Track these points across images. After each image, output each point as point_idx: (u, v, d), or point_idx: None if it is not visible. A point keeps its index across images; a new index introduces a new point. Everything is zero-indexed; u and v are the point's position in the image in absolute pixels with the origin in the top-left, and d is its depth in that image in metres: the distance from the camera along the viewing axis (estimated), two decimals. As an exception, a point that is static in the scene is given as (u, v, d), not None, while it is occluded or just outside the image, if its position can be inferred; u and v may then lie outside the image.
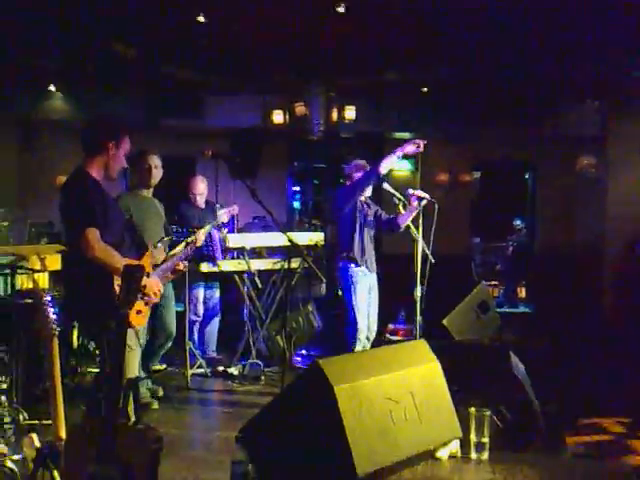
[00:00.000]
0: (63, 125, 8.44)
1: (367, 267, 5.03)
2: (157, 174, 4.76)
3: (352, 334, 4.92)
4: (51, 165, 8.31)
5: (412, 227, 5.11)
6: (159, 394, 4.83)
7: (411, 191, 5.06)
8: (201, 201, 5.85)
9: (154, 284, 3.39)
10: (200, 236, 4.43)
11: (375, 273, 5.14)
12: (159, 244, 3.88)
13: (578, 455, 3.51)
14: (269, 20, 6.65)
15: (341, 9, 6.24)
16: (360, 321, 4.92)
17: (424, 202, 4.97)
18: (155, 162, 4.75)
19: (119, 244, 3.26)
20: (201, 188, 5.85)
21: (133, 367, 3.36)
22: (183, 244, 4.11)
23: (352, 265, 4.98)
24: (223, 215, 5.56)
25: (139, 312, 3.28)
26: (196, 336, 6.01)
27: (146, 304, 3.37)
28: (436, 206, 4.83)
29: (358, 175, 5.10)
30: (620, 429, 4.04)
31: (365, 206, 5.16)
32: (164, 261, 3.80)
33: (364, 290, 4.98)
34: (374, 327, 5.11)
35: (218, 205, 5.93)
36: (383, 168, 4.83)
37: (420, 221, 4.95)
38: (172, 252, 3.96)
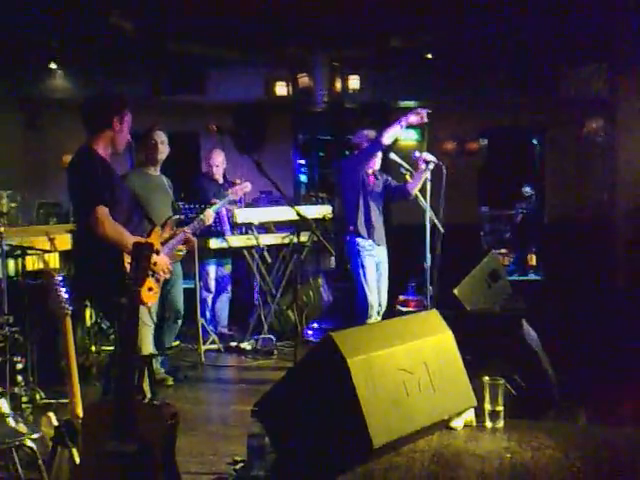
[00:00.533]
0: (67, 103, 8.38)
1: (374, 241, 4.96)
2: (164, 150, 4.73)
3: (362, 310, 4.87)
4: (56, 144, 8.26)
5: (420, 197, 5.06)
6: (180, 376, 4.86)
7: (417, 154, 4.94)
8: (218, 174, 5.92)
9: (164, 261, 3.39)
10: (209, 214, 4.41)
11: (384, 246, 5.08)
12: (168, 222, 3.87)
13: (593, 422, 3.52)
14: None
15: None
16: (370, 296, 4.87)
17: (431, 166, 4.85)
18: (161, 138, 4.72)
19: (127, 222, 3.25)
20: (218, 160, 5.97)
21: (147, 344, 3.37)
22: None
23: (359, 239, 4.92)
24: (233, 193, 5.46)
25: (150, 289, 3.28)
26: (208, 312, 6.03)
27: (157, 281, 3.37)
28: (444, 169, 4.70)
29: (366, 145, 5.04)
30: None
31: (372, 178, 5.09)
32: (172, 237, 3.79)
33: (372, 264, 4.93)
34: (384, 301, 5.08)
35: (232, 181, 5.88)
36: (386, 138, 4.75)
37: (428, 190, 4.88)
38: (180, 229, 3.94)
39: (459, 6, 6.91)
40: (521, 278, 9.45)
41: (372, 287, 4.90)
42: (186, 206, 4.90)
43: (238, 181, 5.71)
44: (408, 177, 5.12)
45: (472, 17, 7.19)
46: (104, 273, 3.18)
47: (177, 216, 4.23)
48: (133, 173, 4.76)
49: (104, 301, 3.39)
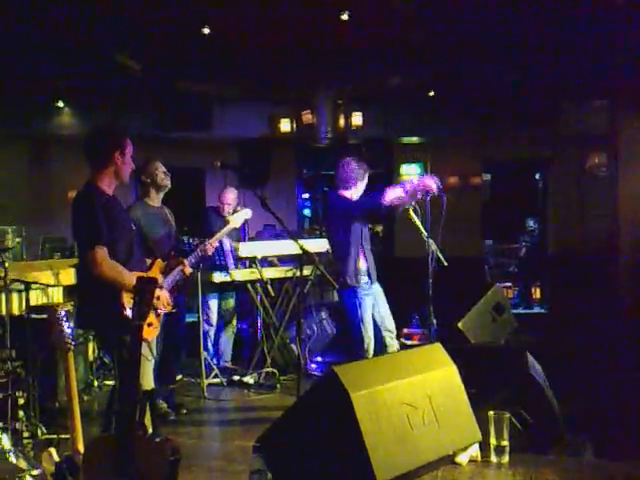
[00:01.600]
0: (73, 140, 8.48)
1: (367, 283, 4.71)
2: (165, 178, 4.76)
3: (359, 351, 4.63)
4: (62, 180, 8.36)
5: (422, 229, 5.00)
6: (182, 411, 4.85)
7: (415, 181, 4.59)
8: (228, 211, 5.97)
9: (165, 295, 3.39)
10: (212, 243, 4.42)
11: (376, 280, 4.84)
12: (170, 255, 3.88)
13: (600, 457, 3.47)
14: (273, 29, 6.68)
15: (345, 16, 6.25)
16: (366, 338, 4.64)
17: (430, 195, 4.55)
18: (162, 168, 4.77)
19: (128, 258, 3.26)
20: (230, 198, 6.01)
21: (149, 378, 3.35)
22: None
23: (352, 287, 4.66)
24: (235, 220, 5.22)
25: (150, 324, 3.28)
26: (210, 346, 6.01)
27: (157, 316, 3.37)
28: (445, 199, 4.47)
29: (354, 179, 4.72)
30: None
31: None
32: (172, 270, 3.79)
33: (369, 305, 4.71)
34: (392, 327, 4.82)
35: (230, 211, 5.88)
36: (387, 200, 4.49)
37: (429, 221, 4.80)
38: (180, 260, 3.93)
39: (460, 43, 7.02)
40: (526, 311, 9.40)
41: (369, 327, 4.65)
42: (190, 240, 4.91)
43: (239, 208, 5.62)
44: (411, 211, 4.99)
45: (474, 54, 7.30)
46: (105, 308, 3.18)
47: (179, 248, 4.24)
48: (136, 206, 4.79)
49: (105, 335, 3.40)
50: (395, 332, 4.91)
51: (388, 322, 4.85)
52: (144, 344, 3.24)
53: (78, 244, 3.35)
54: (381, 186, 5.11)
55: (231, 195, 6.04)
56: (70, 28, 6.33)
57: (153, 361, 3.56)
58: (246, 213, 5.18)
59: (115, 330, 3.10)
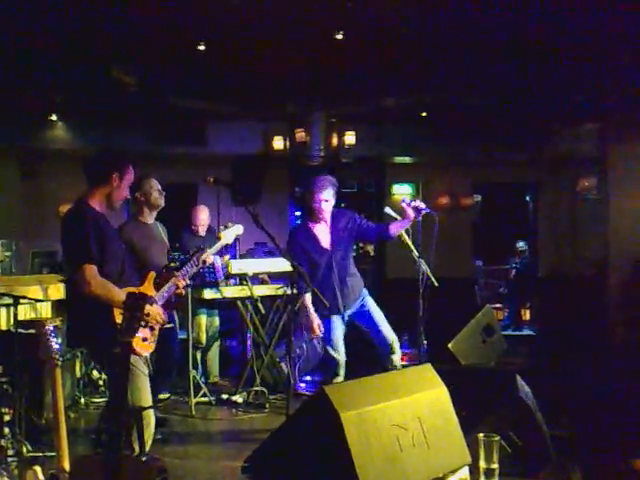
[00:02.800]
0: (65, 154, 8.49)
1: (337, 313, 4.73)
2: (159, 197, 4.74)
3: (330, 366, 4.73)
4: (53, 195, 8.34)
5: (414, 249, 5.00)
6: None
7: (407, 200, 4.70)
8: (203, 230, 5.94)
9: (156, 311, 3.37)
10: (208, 258, 4.38)
11: (357, 296, 4.82)
12: (163, 272, 3.84)
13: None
14: (269, 48, 6.72)
15: (339, 36, 6.31)
16: (335, 354, 4.70)
17: (422, 213, 4.62)
18: (157, 186, 4.75)
19: (119, 276, 3.24)
20: (202, 219, 5.96)
21: (146, 395, 3.29)
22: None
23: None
24: (227, 236, 4.99)
25: (145, 339, 3.26)
26: (199, 364, 5.97)
27: (151, 330, 3.34)
28: (436, 219, 4.56)
29: (327, 183, 4.83)
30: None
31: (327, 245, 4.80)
32: (165, 284, 3.75)
33: (337, 325, 4.73)
34: (391, 333, 4.79)
35: (222, 227, 5.80)
36: (394, 232, 4.70)
37: (420, 241, 4.82)
38: (172, 273, 3.87)
39: (453, 65, 7.09)
40: (515, 333, 9.41)
41: (338, 347, 4.71)
42: (182, 256, 4.88)
43: (230, 224, 5.46)
44: (404, 233, 4.97)
45: (466, 76, 7.37)
46: (96, 325, 3.16)
47: (172, 264, 4.19)
48: (129, 224, 4.78)
49: (96, 353, 3.37)
50: (397, 341, 4.82)
51: (388, 330, 4.79)
52: (141, 360, 3.23)
53: (68, 261, 3.33)
54: (374, 204, 5.15)
55: (203, 215, 5.98)
56: (64, 42, 6.35)
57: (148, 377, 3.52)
58: (238, 229, 5.02)
59: (107, 347, 3.07)
